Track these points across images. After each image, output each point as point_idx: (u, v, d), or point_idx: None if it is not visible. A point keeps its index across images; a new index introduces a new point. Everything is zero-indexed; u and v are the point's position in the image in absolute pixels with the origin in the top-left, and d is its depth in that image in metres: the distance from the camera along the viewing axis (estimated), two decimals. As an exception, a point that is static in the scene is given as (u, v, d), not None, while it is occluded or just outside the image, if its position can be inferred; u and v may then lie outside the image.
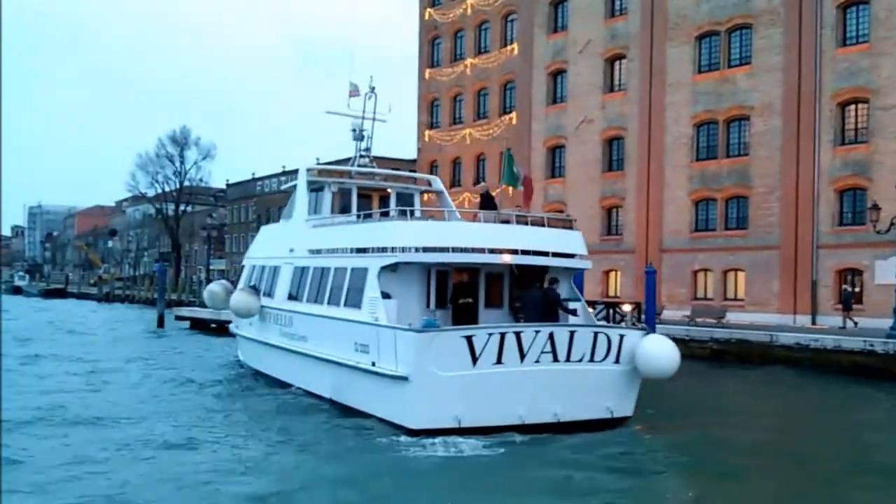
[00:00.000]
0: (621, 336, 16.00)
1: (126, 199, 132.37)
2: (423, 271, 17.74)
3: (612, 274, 43.33)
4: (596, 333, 15.78)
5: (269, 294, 22.54)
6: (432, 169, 51.48)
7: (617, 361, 15.84)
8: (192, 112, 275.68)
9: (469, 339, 14.86)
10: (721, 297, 37.82)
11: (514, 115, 48.94)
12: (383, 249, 17.21)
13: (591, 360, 15.62)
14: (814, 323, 33.54)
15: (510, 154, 19.84)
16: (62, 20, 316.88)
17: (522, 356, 15.09)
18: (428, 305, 17.81)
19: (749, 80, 37.30)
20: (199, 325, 42.04)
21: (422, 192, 24.62)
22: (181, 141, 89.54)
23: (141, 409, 17.71)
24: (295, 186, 23.61)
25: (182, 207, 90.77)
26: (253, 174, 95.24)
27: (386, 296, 16.72)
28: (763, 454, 14.72)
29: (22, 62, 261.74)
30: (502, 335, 14.98)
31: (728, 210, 38.21)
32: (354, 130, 24.86)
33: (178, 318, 43.39)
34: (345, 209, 22.60)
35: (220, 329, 39.52)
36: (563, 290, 18.24)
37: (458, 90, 53.23)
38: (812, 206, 34.72)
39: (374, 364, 16.16)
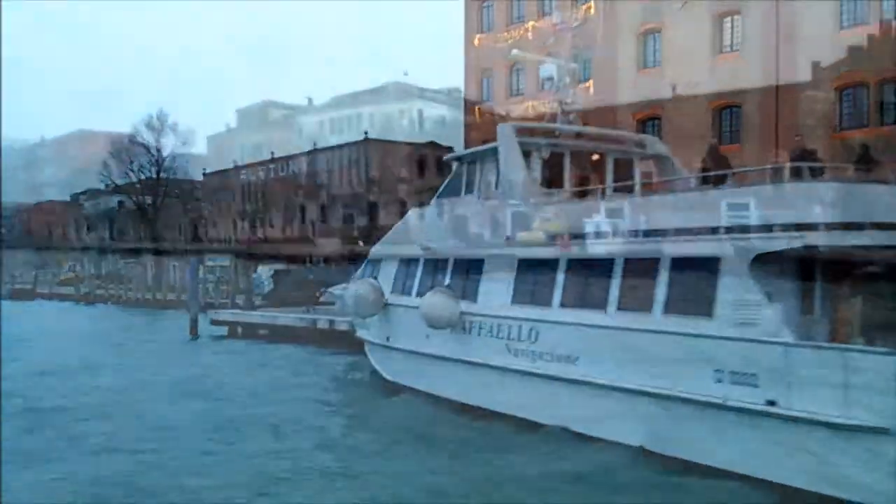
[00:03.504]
0: None
1: (83, 193, 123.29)
2: (795, 262, 11.78)
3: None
4: None
5: (468, 297, 16.16)
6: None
7: None
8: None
9: None
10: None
11: (589, 83, 42.68)
12: (764, 228, 11.44)
13: None
14: None
15: None
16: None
17: None
18: (810, 311, 11.75)
19: (911, 35, 31.73)
20: (239, 332, 34.87)
21: (640, 158, 18.74)
22: (157, 126, 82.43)
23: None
24: (468, 156, 18.16)
25: (158, 198, 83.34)
26: (234, 162, 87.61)
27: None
28: None
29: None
30: None
31: (884, 189, 32.57)
32: (551, 79, 18.92)
33: (215, 322, 36.11)
34: (553, 181, 16.95)
35: (275, 335, 32.64)
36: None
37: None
38: None
39: (772, 403, 10.57)
